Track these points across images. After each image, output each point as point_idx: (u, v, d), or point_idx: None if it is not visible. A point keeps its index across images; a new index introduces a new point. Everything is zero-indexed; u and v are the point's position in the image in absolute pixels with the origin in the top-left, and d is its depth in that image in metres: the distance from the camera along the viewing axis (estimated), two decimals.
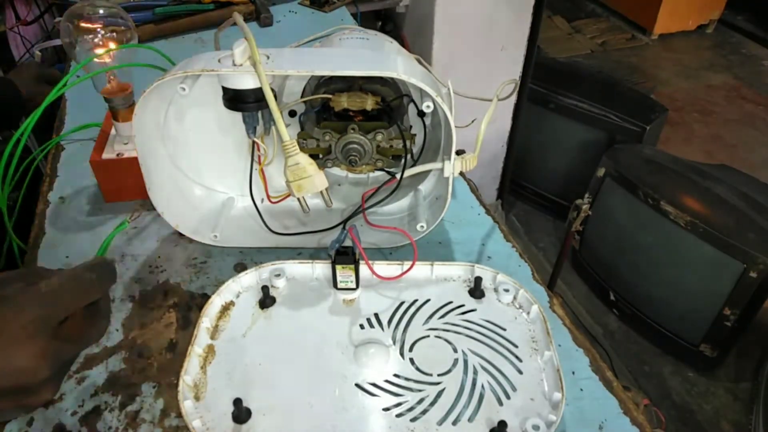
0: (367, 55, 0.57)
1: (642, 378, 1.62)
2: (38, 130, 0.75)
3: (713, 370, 1.58)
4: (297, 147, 0.53)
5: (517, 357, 0.49)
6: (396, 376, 0.48)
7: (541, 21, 1.58)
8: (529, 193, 2.16)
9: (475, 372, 0.48)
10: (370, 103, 0.56)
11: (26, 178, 0.71)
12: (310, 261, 0.56)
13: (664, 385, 1.60)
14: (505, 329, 0.52)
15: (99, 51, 0.66)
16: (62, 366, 0.35)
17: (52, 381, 0.34)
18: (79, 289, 0.36)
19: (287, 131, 0.52)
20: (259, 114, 0.54)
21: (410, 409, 0.45)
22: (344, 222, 0.60)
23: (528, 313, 0.53)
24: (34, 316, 0.33)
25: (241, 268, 0.60)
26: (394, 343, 0.50)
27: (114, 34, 0.68)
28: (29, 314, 0.33)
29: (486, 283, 0.56)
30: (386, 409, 0.45)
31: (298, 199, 0.58)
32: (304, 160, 0.54)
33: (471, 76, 1.59)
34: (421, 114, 0.58)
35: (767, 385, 1.41)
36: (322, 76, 0.58)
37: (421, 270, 0.56)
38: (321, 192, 0.57)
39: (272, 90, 0.49)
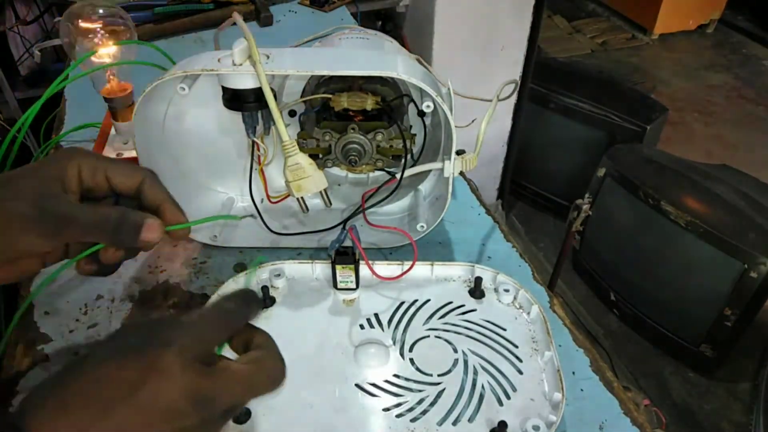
0: (366, 54, 0.57)
1: (642, 378, 1.62)
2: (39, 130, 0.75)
3: (713, 371, 1.58)
4: (297, 147, 0.53)
5: (517, 357, 0.49)
6: (396, 376, 0.47)
7: (542, 21, 1.58)
8: (529, 193, 2.16)
9: (476, 372, 0.48)
10: (370, 103, 0.55)
11: None
12: (310, 261, 0.56)
13: (665, 385, 1.60)
14: (505, 329, 0.51)
15: (99, 48, 0.66)
16: (214, 414, 0.31)
17: (206, 427, 0.30)
18: (221, 319, 0.34)
19: (287, 131, 0.52)
20: (259, 114, 0.53)
21: (410, 410, 0.45)
22: (344, 222, 0.60)
23: (528, 314, 0.53)
24: (180, 348, 0.30)
25: (240, 268, 0.59)
26: (394, 343, 0.50)
27: (114, 33, 0.68)
28: (175, 347, 0.30)
29: (486, 284, 0.56)
30: (386, 410, 0.45)
31: (298, 199, 0.58)
32: (303, 160, 0.53)
33: (471, 76, 1.59)
34: (421, 114, 0.58)
35: (767, 386, 1.40)
36: (322, 76, 0.58)
37: (421, 270, 0.56)
38: (320, 192, 0.57)
39: (272, 90, 0.49)
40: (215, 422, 0.32)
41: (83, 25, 0.67)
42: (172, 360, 0.30)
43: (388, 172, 0.61)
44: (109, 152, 0.68)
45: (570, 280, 1.88)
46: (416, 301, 0.54)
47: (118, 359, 0.30)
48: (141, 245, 0.39)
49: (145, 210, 0.40)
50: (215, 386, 0.31)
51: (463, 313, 0.53)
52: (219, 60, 0.49)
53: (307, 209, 0.58)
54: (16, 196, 0.37)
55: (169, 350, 0.30)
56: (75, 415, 0.28)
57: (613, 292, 1.73)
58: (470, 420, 0.44)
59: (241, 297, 0.35)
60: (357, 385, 0.47)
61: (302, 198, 0.57)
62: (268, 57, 0.50)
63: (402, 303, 0.54)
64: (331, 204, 0.59)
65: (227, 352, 0.35)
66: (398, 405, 0.45)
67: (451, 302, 0.54)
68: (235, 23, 0.52)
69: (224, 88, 0.51)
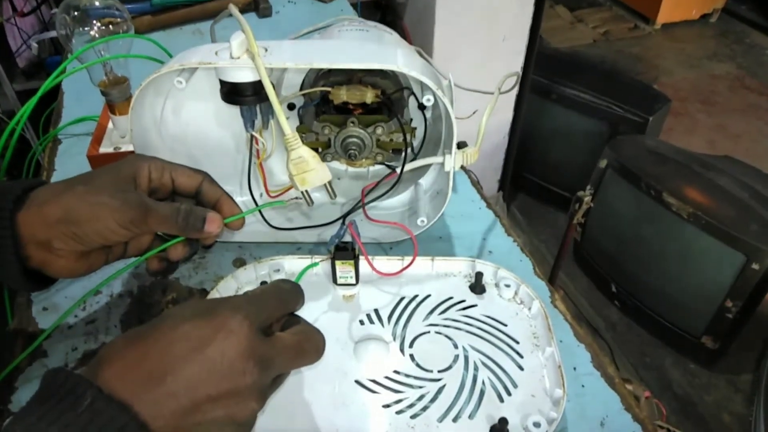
0: (366, 47, 0.56)
1: (643, 370, 1.62)
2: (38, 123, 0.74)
3: (714, 362, 1.58)
4: (299, 140, 0.52)
5: (518, 353, 0.49)
6: (396, 372, 0.47)
7: (543, 10, 1.57)
8: (531, 185, 2.15)
9: (476, 368, 0.47)
10: (369, 96, 0.55)
11: (29, 173, 0.71)
12: (310, 256, 0.56)
13: (666, 377, 1.60)
14: (506, 325, 0.51)
15: (95, 41, 0.65)
16: (270, 374, 0.35)
17: (259, 389, 0.34)
18: (279, 296, 0.38)
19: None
20: (258, 108, 0.53)
21: (410, 406, 0.45)
22: (344, 217, 0.59)
23: (529, 309, 0.52)
24: (246, 313, 0.34)
25: (240, 263, 0.59)
26: (394, 339, 0.50)
27: (110, 26, 0.67)
28: (242, 311, 0.34)
29: (487, 279, 0.55)
30: (386, 406, 0.45)
31: (302, 192, 0.57)
32: (307, 153, 0.53)
33: (472, 67, 1.57)
34: (422, 107, 0.57)
35: None
36: (321, 69, 0.58)
37: (422, 265, 0.56)
38: (325, 184, 0.56)
39: (270, 83, 0.49)
40: (268, 387, 0.35)
41: (80, 17, 0.66)
42: (240, 322, 0.33)
43: (388, 166, 0.61)
44: (106, 146, 0.68)
45: (571, 271, 1.88)
46: (416, 296, 0.54)
47: (191, 318, 0.33)
48: (205, 235, 0.45)
49: (203, 206, 0.46)
50: (273, 351, 0.35)
51: (464, 309, 0.53)
52: (216, 53, 0.49)
53: (312, 202, 0.57)
54: (98, 190, 0.42)
55: (238, 314, 0.33)
56: (150, 365, 0.31)
57: (615, 284, 1.73)
58: (471, 416, 0.44)
59: (295, 284, 0.40)
60: (357, 381, 0.46)
61: (306, 191, 0.56)
62: (266, 50, 0.49)
63: (402, 298, 0.53)
64: (335, 196, 0.58)
65: None
66: (398, 401, 0.45)
67: (451, 297, 0.54)
68: (231, 15, 0.51)
69: (222, 82, 0.51)
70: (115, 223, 0.42)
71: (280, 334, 0.36)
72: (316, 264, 0.55)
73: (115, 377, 0.30)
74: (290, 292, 0.39)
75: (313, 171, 0.53)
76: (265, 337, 0.35)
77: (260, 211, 0.61)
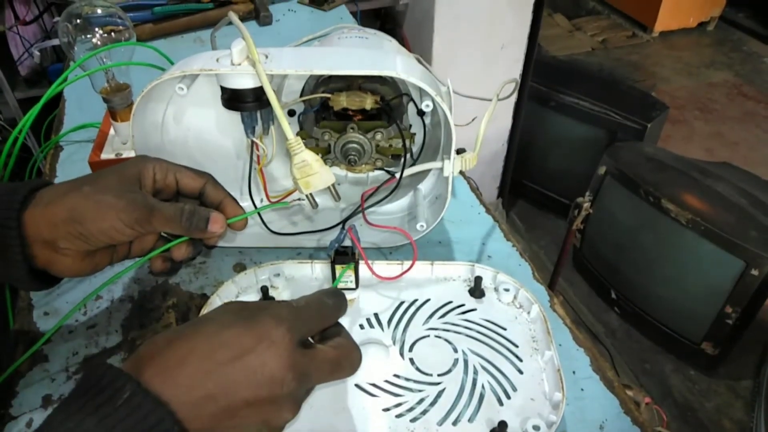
0: (366, 54, 0.57)
1: (643, 376, 1.62)
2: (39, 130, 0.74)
3: (715, 368, 1.58)
4: (302, 144, 0.52)
5: (517, 357, 0.49)
6: (396, 376, 0.47)
7: (542, 19, 1.58)
8: (530, 192, 2.15)
9: (476, 372, 0.48)
10: (369, 103, 0.55)
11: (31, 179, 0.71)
12: (310, 261, 0.56)
13: (666, 383, 1.60)
14: (505, 329, 0.51)
15: (98, 49, 0.65)
16: (306, 386, 0.35)
17: (294, 399, 0.34)
18: (322, 310, 0.38)
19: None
20: (258, 114, 0.53)
21: (410, 410, 0.45)
22: (344, 222, 0.59)
23: (528, 313, 0.53)
24: (289, 326, 0.34)
25: (240, 268, 0.59)
26: (394, 343, 0.50)
27: (112, 34, 0.68)
28: (285, 324, 0.34)
29: (486, 283, 0.55)
30: (386, 410, 0.45)
31: (306, 196, 0.57)
32: (310, 156, 0.53)
33: (471, 74, 1.58)
34: (421, 113, 0.58)
35: None
36: (321, 76, 0.58)
37: (421, 270, 0.56)
38: (329, 187, 0.56)
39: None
40: (301, 398, 0.35)
41: (82, 25, 0.66)
42: (283, 334, 0.33)
43: (388, 172, 0.61)
44: (108, 152, 0.68)
45: (571, 278, 1.88)
46: (416, 300, 0.54)
47: (234, 325, 0.33)
48: (209, 235, 0.45)
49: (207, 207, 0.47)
50: (312, 364, 0.35)
51: (463, 313, 0.53)
52: (218, 60, 0.49)
53: (317, 204, 0.57)
54: (104, 190, 0.43)
55: (281, 325, 0.34)
56: (191, 368, 0.31)
57: (614, 290, 1.73)
58: (470, 420, 0.44)
59: (337, 295, 0.40)
60: (357, 385, 0.47)
61: (311, 194, 0.57)
62: (266, 56, 0.50)
63: (402, 303, 0.54)
64: (339, 198, 0.58)
65: None
66: (398, 405, 0.45)
67: (451, 302, 0.54)
68: (231, 23, 0.52)
69: (223, 88, 0.51)
70: (121, 222, 0.42)
71: (320, 347, 0.37)
72: (350, 266, 0.54)
73: (154, 375, 0.31)
74: (333, 308, 0.39)
75: (317, 174, 0.53)
76: (305, 350, 0.35)
77: (260, 216, 0.61)
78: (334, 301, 0.39)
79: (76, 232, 0.42)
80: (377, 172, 0.62)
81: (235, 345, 0.32)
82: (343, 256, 0.52)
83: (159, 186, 0.46)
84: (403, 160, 0.57)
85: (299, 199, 0.56)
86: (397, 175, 0.58)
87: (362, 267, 0.54)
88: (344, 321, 0.51)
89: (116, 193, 0.43)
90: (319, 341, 0.38)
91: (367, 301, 0.54)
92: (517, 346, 0.50)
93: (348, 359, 0.38)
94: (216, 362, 0.32)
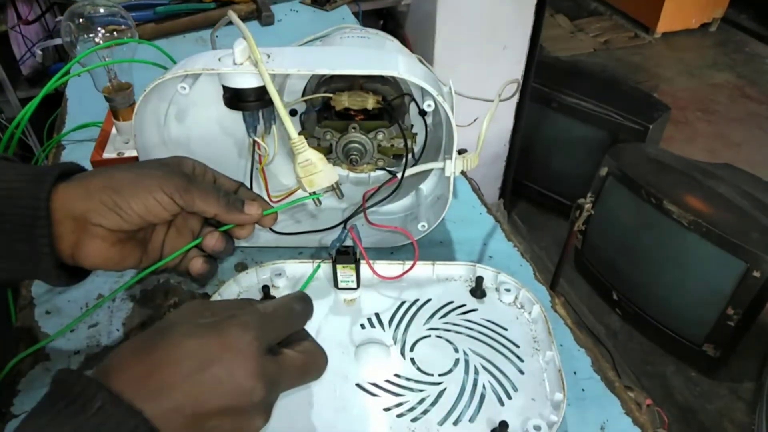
0: (367, 53, 0.57)
1: (645, 378, 1.62)
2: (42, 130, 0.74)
3: (716, 370, 1.58)
4: (305, 143, 0.52)
5: (518, 357, 0.49)
6: (397, 376, 0.47)
7: (544, 19, 1.58)
8: (531, 193, 2.15)
9: (477, 372, 0.48)
10: (371, 102, 0.55)
11: None
12: (311, 260, 0.56)
13: (667, 385, 1.60)
14: (506, 329, 0.51)
15: (99, 45, 0.66)
16: (276, 393, 0.35)
17: (264, 406, 0.34)
18: (289, 316, 0.38)
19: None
20: (260, 113, 0.53)
21: (411, 410, 0.45)
22: (345, 221, 0.59)
23: (530, 313, 0.53)
24: (256, 334, 0.34)
25: (241, 267, 0.59)
26: (395, 342, 0.50)
27: (115, 33, 0.68)
28: (252, 332, 0.33)
29: (487, 283, 0.55)
30: (387, 410, 0.45)
31: (333, 185, 0.57)
32: (314, 155, 0.53)
33: (473, 75, 1.58)
34: (423, 113, 0.58)
35: None
36: (323, 75, 0.58)
37: (423, 270, 0.56)
38: (332, 185, 0.56)
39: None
40: (272, 403, 0.35)
41: (84, 24, 0.67)
42: (249, 342, 0.33)
43: (389, 172, 0.61)
44: (110, 151, 0.68)
45: (572, 279, 1.88)
46: (417, 300, 0.54)
47: (199, 334, 0.33)
48: (244, 219, 0.47)
49: None
50: (280, 371, 0.35)
51: (465, 313, 0.53)
52: (220, 59, 0.49)
53: (343, 194, 0.57)
54: (143, 166, 0.46)
55: (248, 333, 0.33)
56: (158, 380, 0.31)
57: (616, 292, 1.73)
58: (471, 420, 0.44)
59: (305, 300, 0.39)
60: (357, 385, 0.47)
61: (337, 183, 0.57)
62: (269, 56, 0.50)
63: (403, 302, 0.54)
64: (342, 195, 0.58)
65: None
66: (399, 405, 0.45)
67: (452, 302, 0.54)
68: (231, 22, 0.52)
69: (225, 88, 0.51)
70: (160, 189, 0.43)
71: (287, 352, 0.36)
72: (318, 267, 0.55)
73: (125, 387, 0.30)
74: (300, 314, 0.39)
75: (320, 173, 0.53)
76: (272, 357, 0.35)
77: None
78: (302, 306, 0.39)
79: (111, 201, 0.41)
80: (379, 172, 0.62)
81: (200, 355, 0.32)
82: (345, 255, 0.52)
83: (198, 179, 0.48)
84: (404, 160, 0.57)
85: (332, 187, 0.56)
86: (399, 175, 0.58)
87: (363, 266, 0.54)
88: (345, 321, 0.52)
89: (156, 166, 0.45)
90: (285, 345, 0.37)
91: (368, 301, 0.54)
92: (518, 347, 0.50)
93: (315, 364, 0.38)
94: (182, 374, 0.31)
